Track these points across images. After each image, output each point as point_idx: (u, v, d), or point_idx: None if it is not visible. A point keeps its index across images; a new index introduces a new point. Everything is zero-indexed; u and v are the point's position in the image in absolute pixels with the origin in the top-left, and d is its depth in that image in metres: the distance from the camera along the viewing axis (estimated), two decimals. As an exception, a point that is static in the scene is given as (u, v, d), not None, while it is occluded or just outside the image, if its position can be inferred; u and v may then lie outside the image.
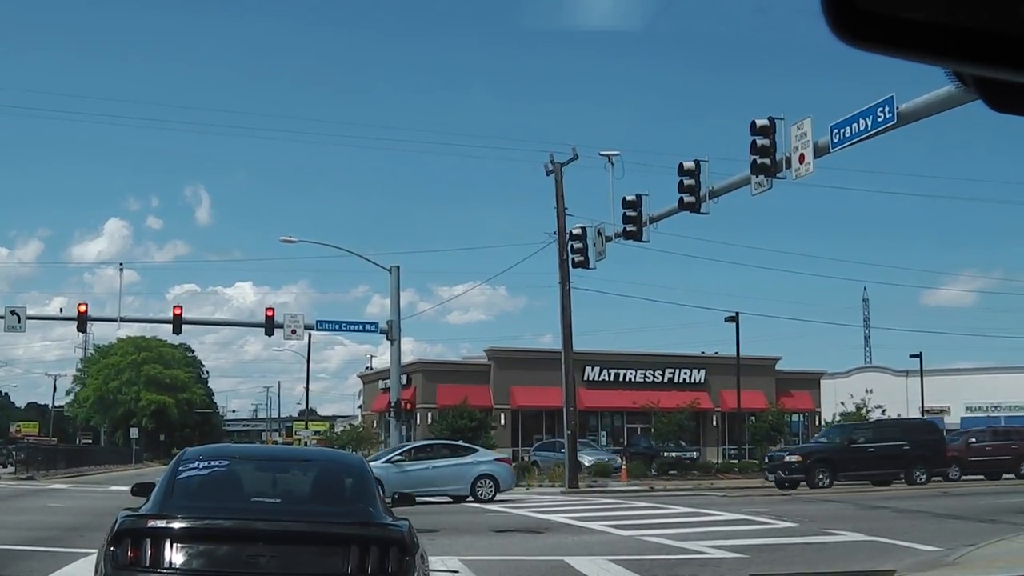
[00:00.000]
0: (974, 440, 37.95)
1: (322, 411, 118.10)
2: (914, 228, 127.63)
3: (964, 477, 35.33)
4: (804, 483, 32.10)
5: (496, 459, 28.78)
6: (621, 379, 62.72)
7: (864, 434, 34.91)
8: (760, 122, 22.21)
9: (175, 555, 6.63)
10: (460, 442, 33.54)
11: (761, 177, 22.60)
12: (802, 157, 21.57)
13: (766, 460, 36.63)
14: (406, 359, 50.18)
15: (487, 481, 27.09)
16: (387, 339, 42.28)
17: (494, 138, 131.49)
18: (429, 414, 56.60)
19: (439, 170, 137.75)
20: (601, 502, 26.42)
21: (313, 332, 50.28)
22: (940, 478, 34.33)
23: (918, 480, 33.14)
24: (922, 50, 1.47)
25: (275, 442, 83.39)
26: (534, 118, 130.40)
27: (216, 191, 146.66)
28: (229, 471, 8.24)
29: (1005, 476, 36.24)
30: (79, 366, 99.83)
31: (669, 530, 17.83)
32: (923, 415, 60.77)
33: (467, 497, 26.56)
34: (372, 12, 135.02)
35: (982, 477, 36.11)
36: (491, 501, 26.23)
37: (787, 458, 33.60)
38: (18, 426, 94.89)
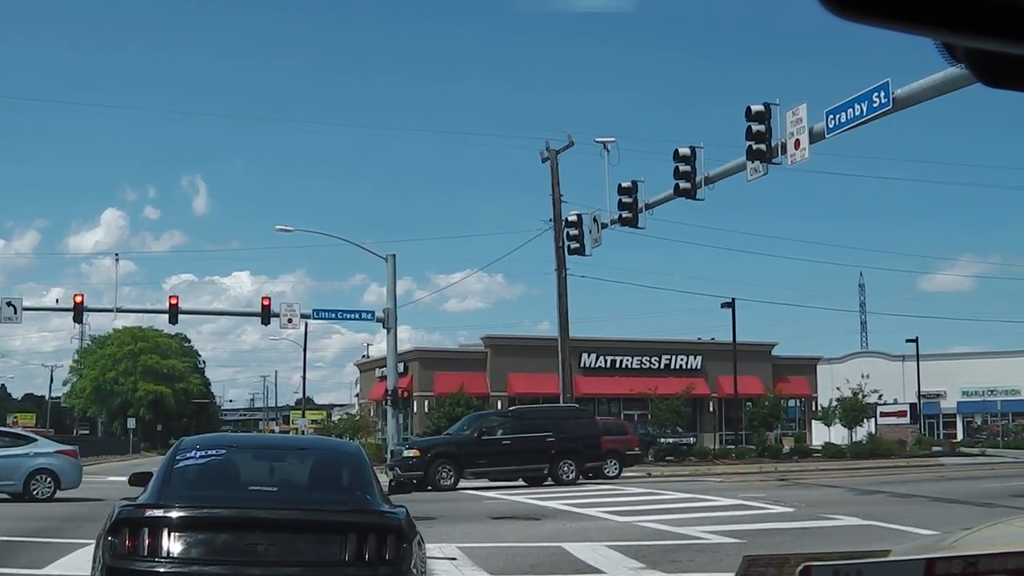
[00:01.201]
0: None
1: (319, 400, 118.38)
2: (911, 213, 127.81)
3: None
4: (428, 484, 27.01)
5: (57, 451, 24.29)
6: (618, 366, 62.82)
7: (501, 425, 30.50)
8: (755, 108, 22.17)
9: (173, 544, 6.64)
10: (19, 430, 30.09)
11: (756, 163, 22.58)
12: (797, 143, 21.55)
13: (388, 455, 32.02)
14: (403, 347, 50.17)
15: (45, 477, 23.04)
16: (384, 327, 42.26)
17: (490, 126, 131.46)
18: (426, 402, 56.74)
19: (435, 158, 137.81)
20: (598, 488, 26.46)
21: (310, 321, 50.22)
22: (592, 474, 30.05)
23: (564, 477, 28.88)
24: (911, 20, 1.43)
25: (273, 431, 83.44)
26: (530, 106, 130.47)
27: (213, 181, 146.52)
28: (226, 460, 8.24)
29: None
30: (76, 357, 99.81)
31: (666, 516, 17.87)
32: (919, 400, 61.02)
33: (23, 495, 22.56)
34: (368, 2, 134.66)
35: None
36: (51, 500, 22.41)
37: (405, 452, 29.44)
38: (15, 417, 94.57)
